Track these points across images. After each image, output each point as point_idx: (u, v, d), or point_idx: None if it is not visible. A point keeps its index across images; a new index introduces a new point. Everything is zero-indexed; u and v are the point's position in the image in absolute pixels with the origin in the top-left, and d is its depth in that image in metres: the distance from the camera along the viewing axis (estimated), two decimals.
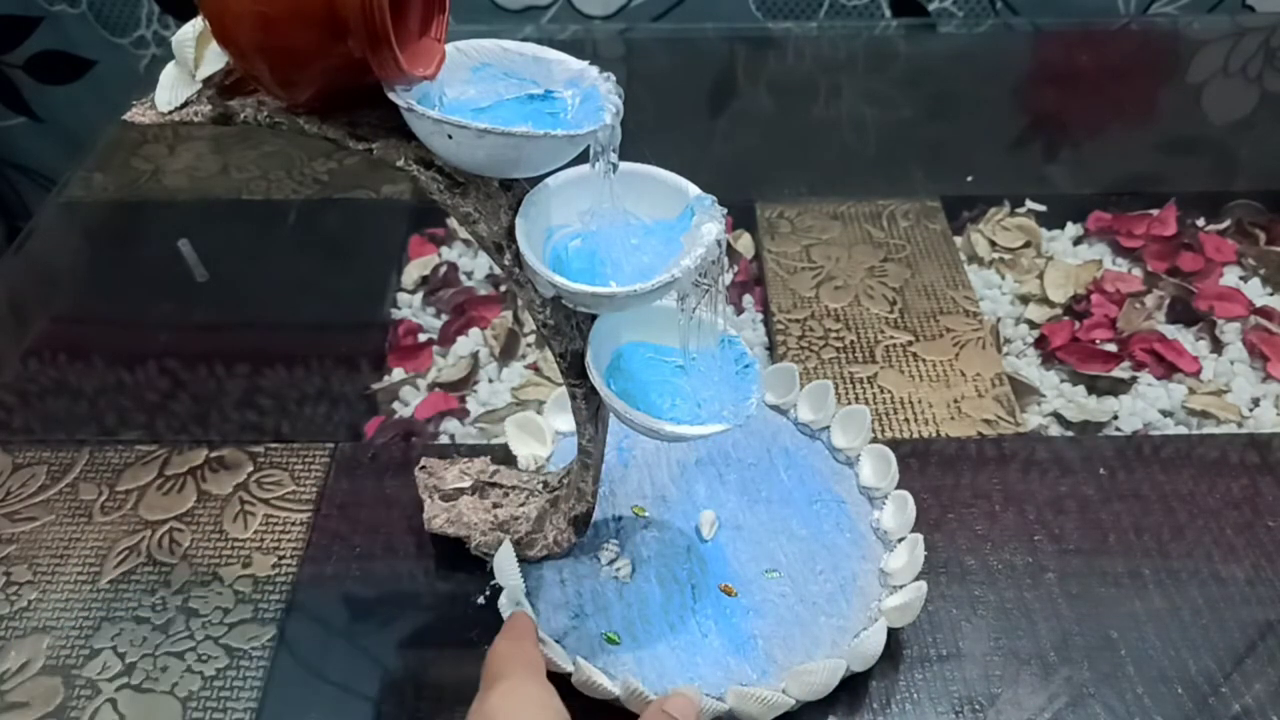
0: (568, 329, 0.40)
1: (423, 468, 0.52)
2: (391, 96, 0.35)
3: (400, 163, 0.37)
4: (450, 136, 0.35)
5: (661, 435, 0.40)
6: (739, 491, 0.52)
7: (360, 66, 0.33)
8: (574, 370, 0.41)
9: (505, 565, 0.45)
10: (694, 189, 0.40)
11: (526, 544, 0.48)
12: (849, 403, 0.58)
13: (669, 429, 0.40)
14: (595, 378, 0.40)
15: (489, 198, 0.38)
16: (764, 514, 0.50)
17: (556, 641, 0.45)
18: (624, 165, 0.39)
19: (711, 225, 0.38)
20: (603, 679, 0.42)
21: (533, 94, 0.38)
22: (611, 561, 0.49)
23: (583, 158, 0.38)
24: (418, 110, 0.35)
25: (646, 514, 0.51)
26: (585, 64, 0.38)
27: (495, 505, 0.50)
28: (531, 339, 0.64)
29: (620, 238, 0.39)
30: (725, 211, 0.39)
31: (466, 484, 0.50)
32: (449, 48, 0.38)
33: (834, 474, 0.52)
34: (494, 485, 0.51)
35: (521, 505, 0.49)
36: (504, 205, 0.39)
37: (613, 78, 0.37)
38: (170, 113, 0.35)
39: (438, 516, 0.50)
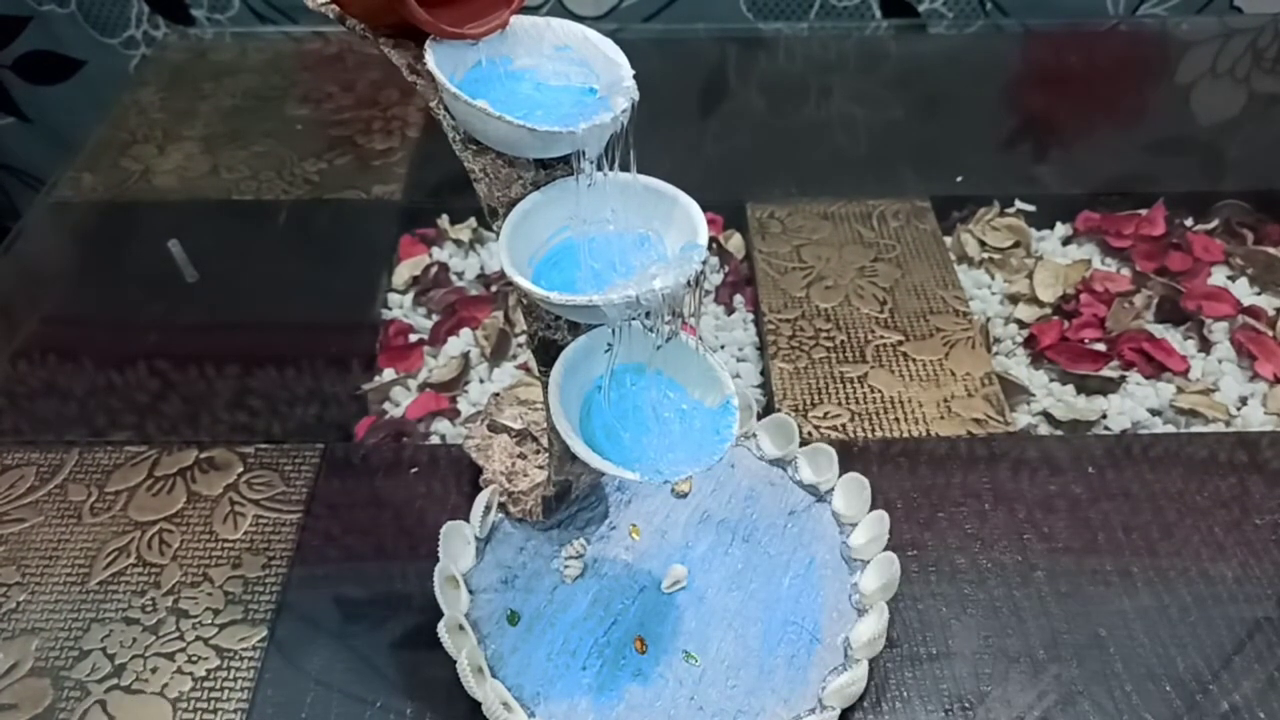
0: (543, 312, 0.40)
1: (496, 394, 0.55)
2: (428, 43, 0.36)
3: (433, 104, 0.37)
4: (455, 98, 0.35)
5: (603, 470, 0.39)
6: (731, 567, 0.49)
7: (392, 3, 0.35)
8: (541, 355, 0.41)
9: (450, 534, 0.48)
10: (701, 223, 0.39)
11: (513, 500, 0.50)
12: (839, 402, 0.58)
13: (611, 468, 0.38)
14: (554, 399, 0.39)
15: (509, 165, 0.38)
16: (734, 601, 0.47)
17: (471, 592, 0.47)
18: (641, 179, 0.39)
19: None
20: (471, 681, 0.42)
21: (594, 88, 0.38)
22: (570, 556, 0.49)
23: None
24: (428, 64, 0.36)
25: (639, 538, 0.50)
26: (631, 74, 0.38)
27: (522, 456, 0.51)
28: (522, 339, 0.64)
29: (619, 251, 0.39)
30: (706, 257, 0.38)
31: (516, 426, 0.52)
32: (539, 20, 0.39)
33: (827, 542, 0.50)
34: (535, 440, 0.51)
35: (539, 467, 0.50)
36: (522, 180, 0.38)
37: (632, 98, 0.37)
38: (321, 5, 0.39)
39: (473, 439, 0.53)
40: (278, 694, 0.45)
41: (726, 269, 0.69)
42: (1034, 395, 0.60)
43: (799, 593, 0.48)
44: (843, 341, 0.62)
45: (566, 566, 0.48)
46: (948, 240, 0.70)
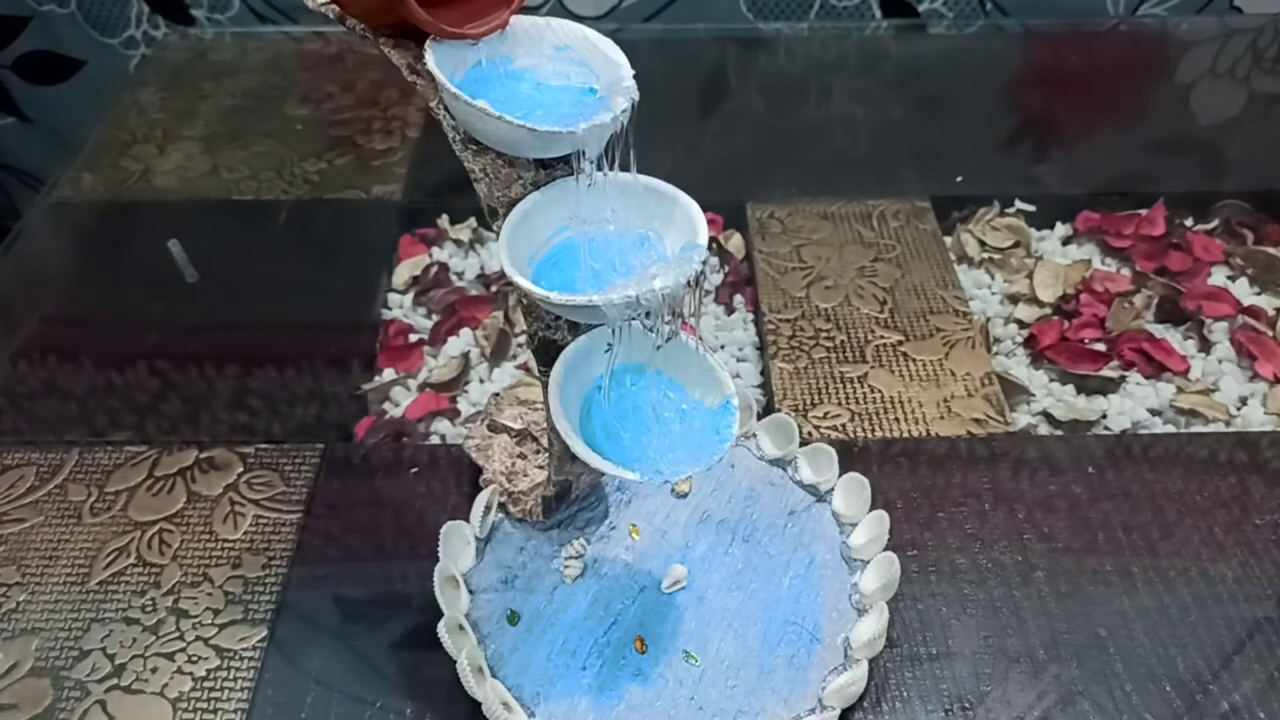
0: (543, 312, 0.40)
1: (496, 394, 0.55)
2: (428, 43, 0.36)
3: (433, 104, 0.37)
4: (455, 98, 0.35)
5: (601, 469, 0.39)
6: (731, 567, 0.49)
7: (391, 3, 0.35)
8: (541, 355, 0.41)
9: (450, 534, 0.48)
10: (700, 221, 0.39)
11: (513, 500, 0.50)
12: (839, 402, 0.58)
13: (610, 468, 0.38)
14: (554, 398, 0.39)
15: (509, 165, 0.38)
16: (734, 601, 0.47)
17: (471, 592, 0.47)
18: (641, 179, 0.39)
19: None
20: (471, 681, 0.42)
21: (594, 88, 0.38)
22: (570, 556, 0.49)
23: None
24: (428, 64, 0.36)
25: (639, 538, 0.50)
26: (631, 74, 0.38)
27: (522, 455, 0.51)
28: (522, 339, 0.64)
29: (619, 251, 0.39)
30: (706, 257, 0.38)
31: (516, 426, 0.52)
32: (539, 20, 0.39)
33: (827, 542, 0.50)
34: (535, 440, 0.51)
35: (539, 467, 0.50)
36: (523, 180, 0.38)
37: (632, 98, 0.37)
38: (321, 5, 0.39)
39: (473, 439, 0.53)
40: (278, 694, 0.45)
41: (726, 269, 0.69)
42: (1034, 395, 0.60)
43: (799, 593, 0.48)
44: (843, 341, 0.62)
45: (566, 566, 0.48)
46: (948, 240, 0.70)
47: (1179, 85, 0.89)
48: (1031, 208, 0.74)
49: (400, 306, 0.68)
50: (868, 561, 0.48)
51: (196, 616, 0.49)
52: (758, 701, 0.44)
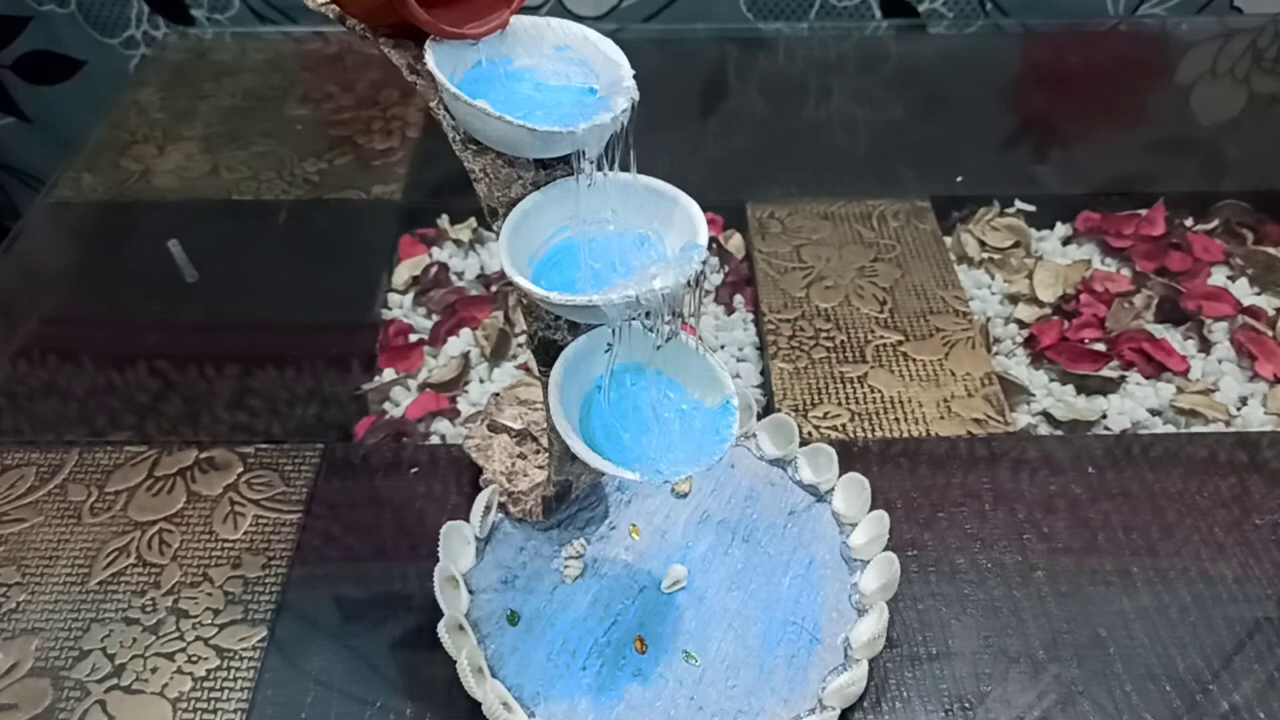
0: (543, 312, 0.40)
1: (496, 394, 0.55)
2: (428, 43, 0.36)
3: (433, 104, 0.37)
4: (456, 98, 0.35)
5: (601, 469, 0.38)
6: (731, 567, 0.49)
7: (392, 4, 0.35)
8: (541, 355, 0.41)
9: (450, 534, 0.48)
10: (701, 222, 0.39)
11: (513, 500, 0.50)
12: (840, 402, 0.58)
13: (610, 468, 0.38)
14: (554, 397, 0.39)
15: (509, 165, 0.38)
16: (734, 601, 0.47)
17: (471, 592, 0.47)
18: (641, 179, 0.39)
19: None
20: (471, 683, 0.42)
21: (594, 88, 0.38)
22: (570, 556, 0.49)
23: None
24: (428, 64, 0.36)
25: (639, 538, 0.50)
26: (631, 74, 0.38)
27: (522, 456, 0.51)
28: (522, 339, 0.64)
29: (620, 251, 0.39)
30: (706, 257, 0.38)
31: (516, 426, 0.52)
32: (539, 20, 0.39)
33: (827, 542, 0.50)
34: (535, 440, 0.51)
35: (539, 467, 0.50)
36: (522, 180, 0.38)
37: (632, 98, 0.37)
38: (321, 5, 0.39)
39: (473, 439, 0.53)
40: (278, 694, 0.45)
41: (726, 269, 0.69)
42: (1034, 395, 0.60)
43: (799, 593, 0.48)
44: (843, 341, 0.62)
45: (566, 566, 0.48)
46: (948, 240, 0.70)
47: (1179, 85, 0.89)
48: (1031, 208, 0.74)
49: (400, 306, 0.68)
50: (868, 561, 0.48)
51: (196, 616, 0.49)
52: (758, 701, 0.44)
